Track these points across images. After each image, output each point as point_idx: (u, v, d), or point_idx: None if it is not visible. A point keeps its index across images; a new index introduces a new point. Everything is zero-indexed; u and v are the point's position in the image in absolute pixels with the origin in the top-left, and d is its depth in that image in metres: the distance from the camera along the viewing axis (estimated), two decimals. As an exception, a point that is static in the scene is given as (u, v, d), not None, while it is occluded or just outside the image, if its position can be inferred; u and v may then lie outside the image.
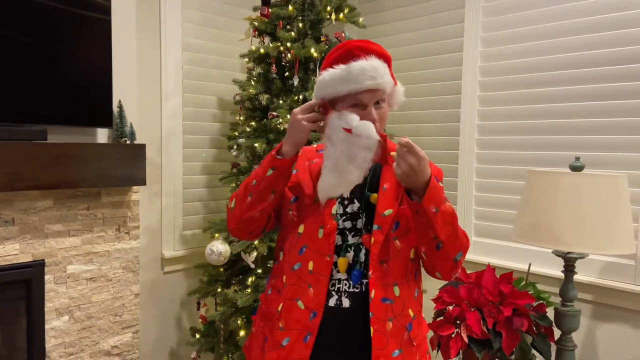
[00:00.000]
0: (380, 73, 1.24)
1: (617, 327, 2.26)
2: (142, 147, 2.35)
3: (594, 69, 2.32)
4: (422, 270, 1.40)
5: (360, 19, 2.59)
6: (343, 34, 2.53)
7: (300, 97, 2.45)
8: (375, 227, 1.30)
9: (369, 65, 1.23)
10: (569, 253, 2.03)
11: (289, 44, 2.46)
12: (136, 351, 2.50)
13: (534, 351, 2.07)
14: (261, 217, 1.37)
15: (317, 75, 1.33)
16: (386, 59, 1.28)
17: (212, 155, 3.01)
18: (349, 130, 1.21)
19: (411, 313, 1.33)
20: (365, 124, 1.21)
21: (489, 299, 2.03)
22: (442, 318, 2.10)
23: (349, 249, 1.32)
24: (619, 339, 2.25)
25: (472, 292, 2.06)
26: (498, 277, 2.11)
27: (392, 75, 1.30)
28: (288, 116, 2.36)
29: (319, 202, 1.31)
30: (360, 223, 1.33)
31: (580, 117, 2.36)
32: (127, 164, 2.29)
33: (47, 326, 2.18)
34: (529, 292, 2.08)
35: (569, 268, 2.06)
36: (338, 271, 1.31)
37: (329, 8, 2.50)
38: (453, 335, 2.02)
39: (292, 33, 2.50)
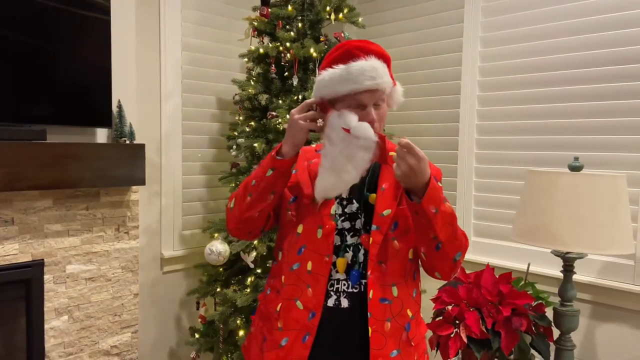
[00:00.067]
0: (380, 73, 1.24)
1: (616, 327, 2.26)
2: (142, 147, 2.35)
3: (593, 69, 2.32)
4: (421, 270, 1.40)
5: (360, 19, 2.59)
6: (342, 34, 2.53)
7: (300, 97, 2.45)
8: (373, 227, 1.30)
9: (369, 65, 1.23)
10: (568, 253, 2.03)
11: (288, 44, 2.46)
12: (135, 351, 2.50)
13: (533, 351, 2.07)
14: (260, 217, 1.37)
15: (317, 75, 1.33)
16: (385, 59, 1.28)
17: (212, 155, 3.01)
18: (347, 130, 1.21)
19: (409, 313, 1.34)
20: (363, 125, 1.21)
21: (488, 298, 2.03)
22: (441, 318, 2.10)
23: (348, 249, 1.32)
24: (618, 338, 2.26)
25: (471, 292, 2.06)
26: (497, 277, 2.11)
27: (392, 76, 1.30)
28: (287, 116, 2.36)
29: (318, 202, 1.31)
30: (359, 223, 1.34)
31: (580, 117, 2.37)
32: (126, 164, 2.29)
33: (46, 326, 2.18)
34: (528, 292, 2.08)
35: (568, 268, 2.06)
36: (337, 271, 1.32)
37: (328, 8, 2.50)
38: (452, 335, 2.02)
39: (292, 33, 2.50)
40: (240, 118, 2.64)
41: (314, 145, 1.49)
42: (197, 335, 2.67)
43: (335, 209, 1.34)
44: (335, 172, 1.23)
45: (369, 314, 1.28)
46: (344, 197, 1.35)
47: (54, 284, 2.20)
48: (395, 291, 1.31)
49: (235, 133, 2.64)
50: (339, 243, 1.33)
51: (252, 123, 2.57)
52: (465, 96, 2.74)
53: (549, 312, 2.11)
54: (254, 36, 2.62)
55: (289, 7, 2.54)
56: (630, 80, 2.22)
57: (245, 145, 2.52)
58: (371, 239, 1.30)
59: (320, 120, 1.28)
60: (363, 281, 1.31)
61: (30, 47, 2.05)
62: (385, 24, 3.12)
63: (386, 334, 1.28)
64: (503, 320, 1.97)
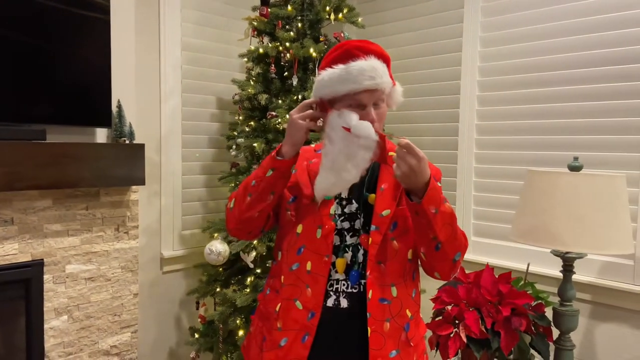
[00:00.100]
0: (379, 73, 1.24)
1: (615, 327, 2.26)
2: (141, 146, 2.35)
3: (593, 69, 2.32)
4: (421, 270, 1.40)
5: (359, 19, 2.59)
6: (342, 34, 2.53)
7: (299, 97, 2.45)
8: (373, 227, 1.30)
9: (368, 65, 1.23)
10: (567, 253, 2.03)
11: (288, 44, 2.46)
12: (135, 351, 2.50)
13: (532, 351, 2.07)
14: (260, 217, 1.37)
15: (316, 75, 1.33)
16: (385, 59, 1.28)
17: (211, 155, 3.01)
18: (348, 130, 1.21)
19: (409, 313, 1.34)
20: (363, 123, 1.21)
21: (488, 298, 2.03)
22: (440, 318, 2.10)
23: (347, 250, 1.32)
24: (618, 338, 2.26)
25: (471, 291, 2.06)
26: (497, 277, 2.11)
27: (391, 76, 1.30)
28: (287, 116, 2.36)
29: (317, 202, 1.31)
30: (358, 223, 1.34)
31: (579, 117, 2.37)
32: (126, 164, 2.29)
33: (46, 326, 2.18)
34: (528, 292, 2.08)
35: (568, 268, 2.06)
36: (336, 271, 1.32)
37: (328, 8, 2.50)
38: (452, 335, 2.02)
39: (291, 33, 2.50)
40: (240, 118, 2.63)
41: (313, 146, 1.49)
42: (196, 335, 2.67)
43: (334, 209, 1.34)
44: (335, 171, 1.23)
45: (368, 314, 1.28)
46: (344, 197, 1.35)
47: (54, 283, 2.20)
48: (394, 291, 1.31)
49: (235, 133, 2.64)
50: (339, 243, 1.33)
51: (252, 123, 2.57)
52: (464, 96, 2.74)
53: (549, 312, 2.11)
54: (253, 36, 2.62)
55: (289, 7, 2.54)
56: (630, 80, 2.22)
57: (245, 145, 2.52)
58: (370, 239, 1.30)
59: (320, 119, 1.28)
60: (362, 281, 1.31)
61: (30, 47, 2.05)
62: (385, 24, 3.12)
63: (385, 334, 1.28)
64: (502, 320, 1.97)
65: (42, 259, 2.16)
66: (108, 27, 2.27)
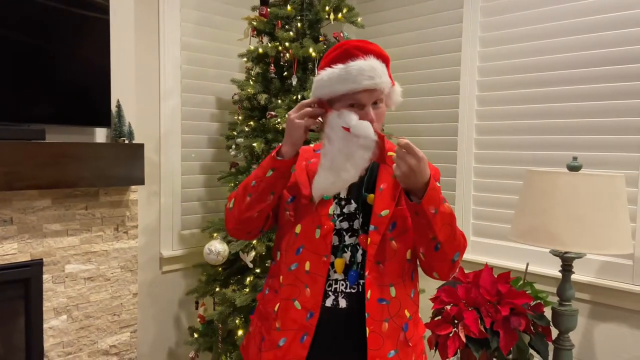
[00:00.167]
0: (379, 73, 1.24)
1: (614, 327, 2.27)
2: (141, 146, 2.35)
3: (592, 69, 2.32)
4: (420, 270, 1.40)
5: (359, 19, 2.59)
6: (341, 34, 2.53)
7: (299, 96, 2.45)
8: (371, 227, 1.30)
9: (367, 65, 1.22)
10: (566, 253, 2.03)
11: (287, 44, 2.46)
12: (134, 350, 2.50)
13: (531, 351, 2.07)
14: (259, 217, 1.37)
15: (315, 75, 1.33)
16: (384, 59, 1.28)
17: (211, 154, 3.01)
18: (347, 129, 1.21)
19: (407, 314, 1.34)
20: (362, 123, 1.21)
21: (487, 298, 2.03)
22: (439, 317, 2.10)
23: (346, 250, 1.33)
24: (617, 338, 2.26)
25: (470, 291, 2.06)
26: (496, 276, 2.11)
27: (390, 76, 1.30)
28: (286, 116, 2.36)
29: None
30: (357, 224, 1.34)
31: (579, 117, 2.37)
32: (125, 164, 2.29)
33: (45, 325, 2.18)
34: (527, 292, 2.09)
35: (567, 268, 2.06)
36: (335, 271, 1.32)
37: (327, 8, 2.50)
38: (451, 335, 2.02)
39: (291, 33, 2.50)
40: (240, 118, 2.63)
41: (312, 146, 1.49)
42: (196, 335, 2.67)
43: (333, 209, 1.34)
44: (334, 171, 1.23)
45: (366, 314, 1.28)
46: (342, 197, 1.35)
47: (53, 283, 2.20)
48: (393, 291, 1.31)
49: (234, 133, 2.63)
50: (337, 243, 1.33)
51: (251, 123, 2.57)
52: (464, 96, 2.75)
53: (548, 312, 2.11)
54: (253, 36, 2.62)
55: (288, 7, 2.54)
56: (629, 80, 2.22)
57: (244, 145, 2.51)
58: (369, 239, 1.30)
59: (318, 117, 1.28)
60: (361, 281, 1.31)
61: (30, 47, 2.05)
62: (384, 24, 3.12)
63: (384, 335, 1.28)
64: (502, 320, 1.97)
65: (42, 259, 2.16)
66: (108, 27, 2.27)
